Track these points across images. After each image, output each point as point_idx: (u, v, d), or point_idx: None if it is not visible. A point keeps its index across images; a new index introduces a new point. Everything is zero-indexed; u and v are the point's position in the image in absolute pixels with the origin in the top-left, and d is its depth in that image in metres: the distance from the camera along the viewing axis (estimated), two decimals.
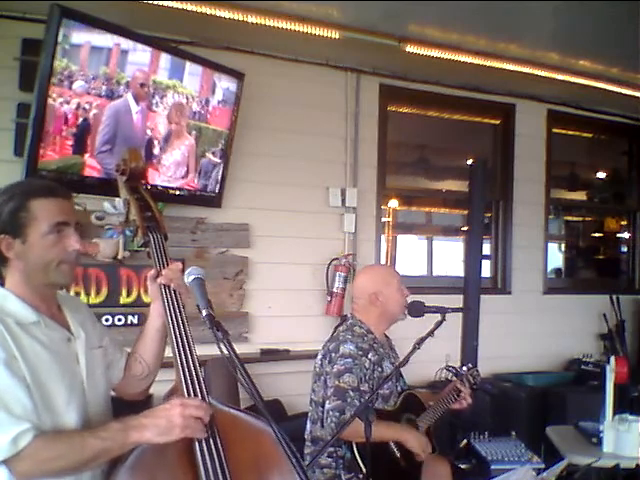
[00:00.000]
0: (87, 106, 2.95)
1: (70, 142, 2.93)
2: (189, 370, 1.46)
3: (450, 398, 2.57)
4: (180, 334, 1.51)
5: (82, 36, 2.85)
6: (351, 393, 2.34)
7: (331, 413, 2.33)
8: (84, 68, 2.89)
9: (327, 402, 2.37)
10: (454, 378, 2.69)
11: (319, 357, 2.57)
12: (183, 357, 1.47)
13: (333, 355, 2.46)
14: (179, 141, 3.36)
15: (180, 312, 1.55)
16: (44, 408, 1.39)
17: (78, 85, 2.89)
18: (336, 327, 2.69)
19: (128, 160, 1.77)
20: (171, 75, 3.25)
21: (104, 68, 2.97)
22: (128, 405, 1.68)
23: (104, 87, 2.99)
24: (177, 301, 1.57)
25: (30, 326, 1.46)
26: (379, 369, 2.50)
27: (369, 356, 2.47)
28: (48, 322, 1.50)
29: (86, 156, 3.00)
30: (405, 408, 2.54)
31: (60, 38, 2.75)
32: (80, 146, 2.97)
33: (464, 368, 2.68)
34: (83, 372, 1.54)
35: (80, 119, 2.94)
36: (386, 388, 2.50)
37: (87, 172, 3.02)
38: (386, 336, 2.72)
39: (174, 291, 1.57)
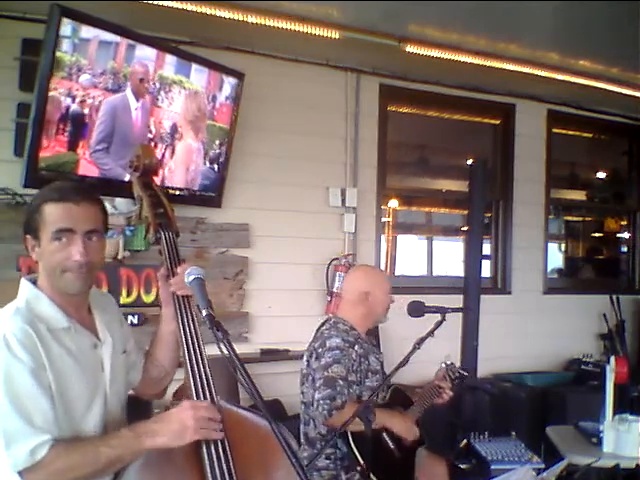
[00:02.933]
0: (91, 100, 2.91)
1: (65, 138, 2.87)
2: (199, 372, 1.47)
3: (433, 393, 2.62)
4: (192, 337, 1.52)
5: (91, 30, 2.84)
6: (340, 382, 2.37)
7: (322, 402, 2.35)
8: (92, 62, 2.88)
9: (317, 392, 2.39)
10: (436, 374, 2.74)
11: (305, 358, 2.60)
12: (193, 359, 1.48)
13: (320, 351, 2.49)
14: (187, 139, 3.33)
15: (191, 315, 1.55)
16: (64, 415, 1.39)
17: (84, 78, 2.86)
18: (318, 328, 2.71)
19: (141, 156, 1.76)
20: (177, 70, 3.23)
21: (111, 62, 2.96)
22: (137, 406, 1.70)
23: (110, 81, 2.96)
24: (188, 304, 1.57)
25: (60, 332, 1.45)
26: (366, 362, 2.55)
27: (355, 348, 2.52)
28: (78, 328, 1.50)
29: (80, 154, 2.93)
30: (394, 402, 2.61)
31: (69, 32, 2.75)
32: (74, 143, 2.91)
33: (442, 365, 2.73)
34: (107, 379, 1.53)
35: (80, 114, 2.89)
36: (375, 380, 2.56)
37: (82, 171, 2.95)
38: (367, 334, 2.76)
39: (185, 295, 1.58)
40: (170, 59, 3.20)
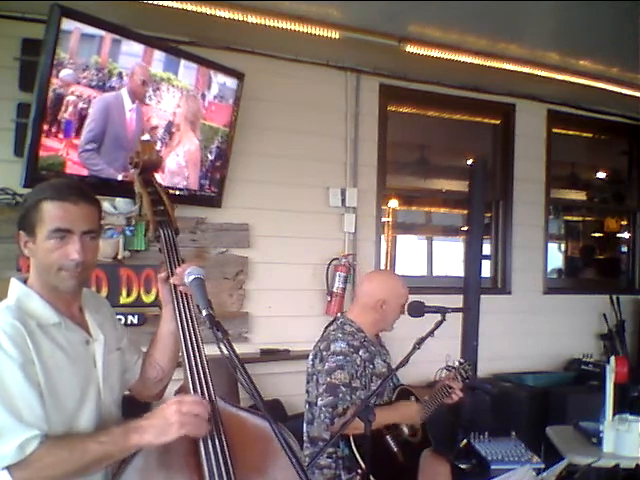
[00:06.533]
0: (72, 97, 2.81)
1: (52, 137, 2.80)
2: (197, 372, 1.46)
3: (442, 393, 2.58)
4: (190, 336, 1.51)
5: (72, 23, 2.75)
6: (342, 389, 2.36)
7: (324, 409, 2.36)
8: (74, 56, 2.79)
9: (319, 399, 2.40)
10: (444, 373, 2.70)
11: (310, 358, 2.59)
12: (192, 359, 1.47)
13: (324, 354, 2.48)
14: (184, 138, 3.30)
15: (191, 313, 1.54)
16: (55, 410, 1.39)
17: (66, 73, 2.78)
18: (326, 327, 2.70)
19: (141, 152, 1.75)
20: (166, 67, 3.18)
21: (95, 57, 2.88)
22: (135, 406, 1.69)
23: (95, 77, 2.87)
24: (188, 303, 1.57)
25: (51, 327, 1.45)
26: (370, 366, 2.53)
27: (360, 353, 2.50)
28: (68, 324, 1.50)
29: (63, 154, 2.85)
30: None
31: None
32: (62, 141, 2.83)
33: (456, 363, 2.70)
34: (100, 375, 1.53)
35: (67, 111, 2.81)
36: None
37: (70, 171, 2.87)
38: (375, 335, 2.74)
39: (185, 293, 1.57)
40: (158, 55, 3.13)
